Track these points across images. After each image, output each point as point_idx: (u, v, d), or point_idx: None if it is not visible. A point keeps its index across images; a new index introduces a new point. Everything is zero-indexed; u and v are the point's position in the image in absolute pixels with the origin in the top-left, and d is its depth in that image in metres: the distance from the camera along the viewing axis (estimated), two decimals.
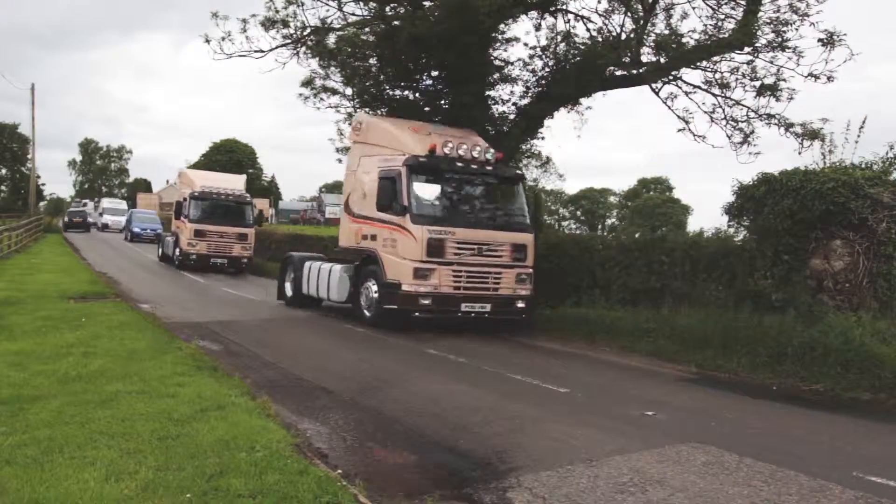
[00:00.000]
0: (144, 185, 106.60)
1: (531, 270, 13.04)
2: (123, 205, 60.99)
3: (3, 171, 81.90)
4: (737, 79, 15.48)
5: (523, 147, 18.30)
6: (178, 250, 24.68)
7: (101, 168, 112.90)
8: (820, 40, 13.92)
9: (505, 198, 13.86)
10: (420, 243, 12.06)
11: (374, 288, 12.94)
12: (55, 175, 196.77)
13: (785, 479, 5.39)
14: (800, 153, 14.57)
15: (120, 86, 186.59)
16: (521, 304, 12.94)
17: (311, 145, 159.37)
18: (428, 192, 12.83)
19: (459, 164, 12.91)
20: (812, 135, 14.22)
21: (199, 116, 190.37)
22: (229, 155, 42.27)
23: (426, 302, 12.15)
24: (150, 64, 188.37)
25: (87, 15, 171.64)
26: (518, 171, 13.51)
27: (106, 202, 62.86)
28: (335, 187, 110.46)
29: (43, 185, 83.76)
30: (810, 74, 14.29)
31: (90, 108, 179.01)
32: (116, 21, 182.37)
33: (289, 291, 16.45)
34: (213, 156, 42.49)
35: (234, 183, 26.84)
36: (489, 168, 13.33)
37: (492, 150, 13.56)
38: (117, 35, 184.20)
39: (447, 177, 12.97)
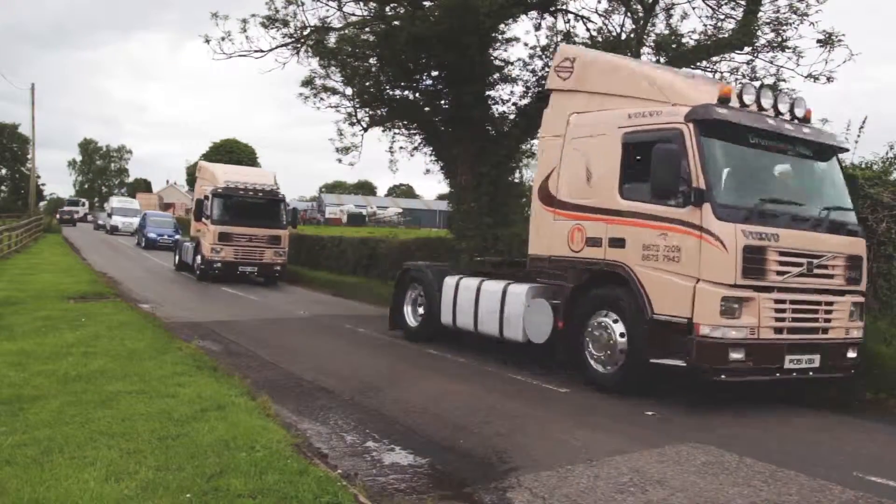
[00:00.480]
0: (144, 185, 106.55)
1: (863, 299, 8.52)
2: (135, 204, 54.48)
3: (3, 171, 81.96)
4: (737, 79, 15.50)
5: (523, 147, 18.32)
6: (199, 258, 21.33)
7: (100, 168, 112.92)
8: (819, 41, 13.95)
9: (818, 178, 8.89)
10: (733, 254, 7.32)
11: (620, 330, 8.10)
12: (53, 175, 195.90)
13: (785, 479, 5.40)
14: None
15: (118, 85, 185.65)
16: (851, 355, 8.23)
17: (311, 145, 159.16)
18: (723, 167, 7.96)
19: (770, 123, 8.12)
20: None
21: (197, 116, 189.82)
22: (229, 155, 42.19)
23: (737, 356, 7.38)
24: (149, 63, 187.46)
25: (84, 14, 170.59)
26: (836, 136, 9.19)
27: (115, 201, 56.07)
28: (335, 187, 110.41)
29: (43, 185, 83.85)
30: (809, 75, 14.32)
31: (88, 107, 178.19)
32: (115, 20, 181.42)
33: (411, 319, 11.89)
34: (213, 156, 42.40)
35: (262, 178, 23.69)
36: (806, 131, 8.41)
37: (803, 102, 8.78)
38: (116, 34, 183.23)
39: (753, 142, 8.09)
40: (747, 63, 15.25)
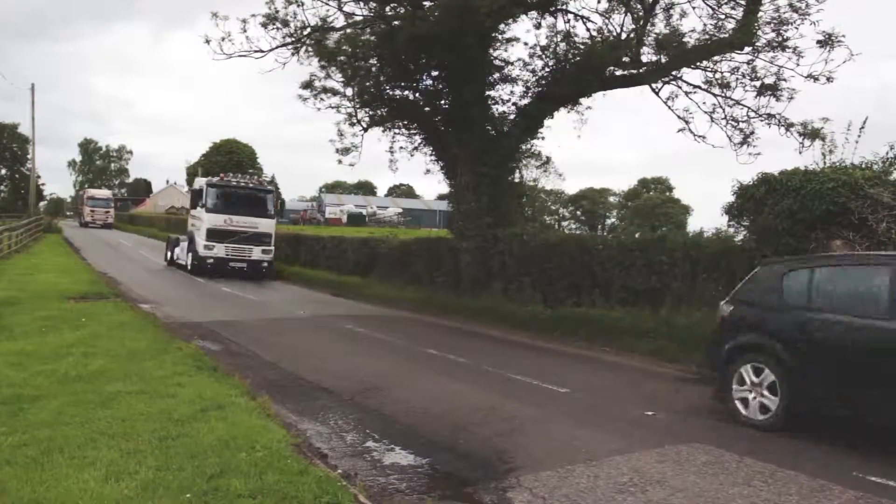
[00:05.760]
0: (145, 186, 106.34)
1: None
2: None
3: (3, 171, 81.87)
4: (737, 78, 15.51)
5: (523, 147, 18.31)
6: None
7: (100, 168, 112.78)
8: (818, 41, 13.95)
9: None
10: None
11: None
12: (46, 174, 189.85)
13: (785, 479, 5.40)
14: (800, 153, 14.56)
15: (102, 80, 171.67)
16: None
17: (310, 142, 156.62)
18: None
19: None
20: (813, 134, 14.22)
21: (190, 113, 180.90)
22: (230, 155, 42.08)
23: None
24: (133, 56, 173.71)
25: (63, 3, 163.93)
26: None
27: None
28: (335, 187, 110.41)
29: (43, 184, 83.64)
30: (809, 76, 14.32)
31: (73, 104, 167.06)
32: (93, 9, 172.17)
33: None
34: (213, 156, 42.34)
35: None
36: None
37: None
38: (95, 25, 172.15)
39: None
40: (748, 63, 15.26)
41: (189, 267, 22.80)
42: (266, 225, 22.93)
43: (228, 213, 22.31)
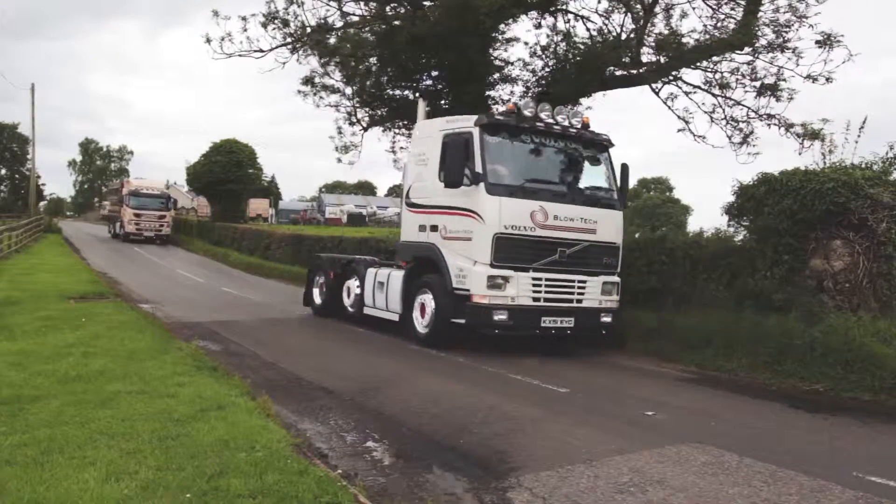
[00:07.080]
0: None
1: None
2: None
3: (3, 171, 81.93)
4: (737, 79, 15.52)
5: None
6: None
7: (101, 168, 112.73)
8: (817, 42, 13.98)
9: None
10: None
11: None
12: (45, 174, 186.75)
13: (785, 479, 5.40)
14: (800, 154, 14.58)
15: (97, 79, 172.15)
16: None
17: (309, 141, 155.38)
18: None
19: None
20: (813, 135, 14.23)
21: (187, 112, 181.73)
22: (230, 155, 41.82)
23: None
24: (128, 55, 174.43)
25: (58, 1, 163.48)
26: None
27: None
28: (335, 187, 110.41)
29: (43, 184, 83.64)
30: (808, 76, 14.34)
31: (68, 102, 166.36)
32: (87, 5, 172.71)
33: None
34: (213, 156, 42.07)
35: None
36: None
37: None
38: (90, 22, 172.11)
39: None
40: (747, 63, 15.27)
41: (424, 330, 11.16)
42: (610, 225, 11.17)
43: (538, 197, 10.50)
